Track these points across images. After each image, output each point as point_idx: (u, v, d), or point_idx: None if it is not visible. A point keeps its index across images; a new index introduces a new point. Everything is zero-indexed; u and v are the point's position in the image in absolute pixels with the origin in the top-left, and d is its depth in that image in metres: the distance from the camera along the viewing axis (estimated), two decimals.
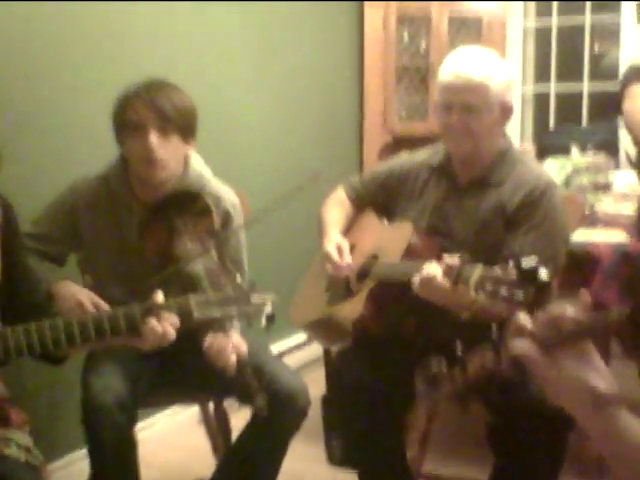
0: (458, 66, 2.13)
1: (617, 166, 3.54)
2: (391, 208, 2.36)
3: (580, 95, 4.47)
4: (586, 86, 4.46)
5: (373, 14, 4.14)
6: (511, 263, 1.65)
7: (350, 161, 4.18)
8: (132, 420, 2.08)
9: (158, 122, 2.09)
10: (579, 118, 4.46)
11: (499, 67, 2.16)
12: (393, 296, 2.14)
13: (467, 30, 4.24)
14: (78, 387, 2.14)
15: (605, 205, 2.99)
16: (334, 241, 2.30)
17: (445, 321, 2.01)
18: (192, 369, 2.21)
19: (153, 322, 1.65)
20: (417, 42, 4.23)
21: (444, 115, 2.16)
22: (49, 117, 2.62)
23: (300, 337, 3.80)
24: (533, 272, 1.60)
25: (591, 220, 2.88)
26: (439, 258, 1.89)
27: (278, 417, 2.11)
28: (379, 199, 2.40)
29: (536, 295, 1.61)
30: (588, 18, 4.43)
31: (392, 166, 2.40)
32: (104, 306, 1.92)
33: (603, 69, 4.57)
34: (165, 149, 2.11)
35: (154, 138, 2.08)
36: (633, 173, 3.21)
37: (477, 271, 1.72)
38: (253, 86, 3.52)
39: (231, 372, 1.97)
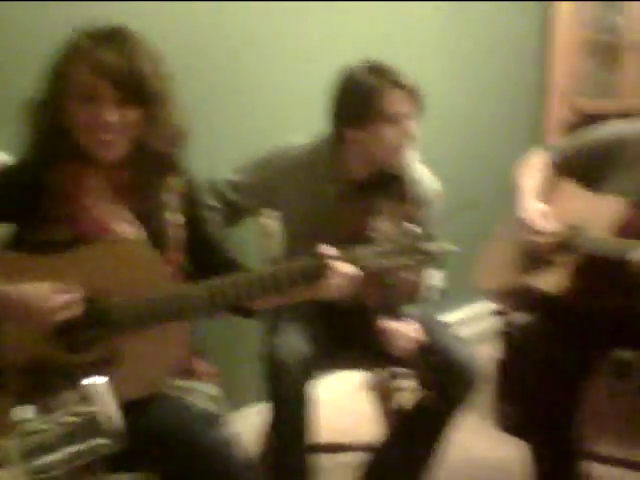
0: None
1: None
2: (599, 177, 2.26)
3: None
4: None
5: None
6: None
7: (531, 140, 4.09)
8: (312, 380, 2.16)
9: (415, 114, 2.21)
10: None
11: None
12: (602, 272, 2.07)
13: None
14: (254, 344, 2.26)
15: None
16: (535, 207, 2.26)
17: None
18: (366, 340, 2.26)
19: (327, 274, 1.71)
20: (610, 18, 4.05)
21: None
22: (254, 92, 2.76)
23: (472, 309, 3.84)
24: None
25: None
26: None
27: (450, 389, 2.14)
28: (587, 165, 2.30)
29: None
30: None
31: (608, 132, 2.30)
32: None
33: None
34: None
35: (414, 128, 2.20)
36: None
37: None
38: (437, 64, 3.52)
39: (405, 358, 2.01)
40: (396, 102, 2.17)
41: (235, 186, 2.36)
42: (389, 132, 2.18)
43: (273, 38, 2.81)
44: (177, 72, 1.76)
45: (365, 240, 1.78)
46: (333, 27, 2.97)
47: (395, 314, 2.01)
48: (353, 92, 2.21)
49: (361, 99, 2.18)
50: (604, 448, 2.56)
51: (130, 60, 1.66)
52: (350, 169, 2.29)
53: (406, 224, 1.76)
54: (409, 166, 2.31)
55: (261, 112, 2.81)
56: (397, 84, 2.17)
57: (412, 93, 2.19)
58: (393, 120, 2.17)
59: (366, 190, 2.21)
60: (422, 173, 2.34)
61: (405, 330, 2.08)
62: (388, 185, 2.22)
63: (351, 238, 1.86)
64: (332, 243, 1.77)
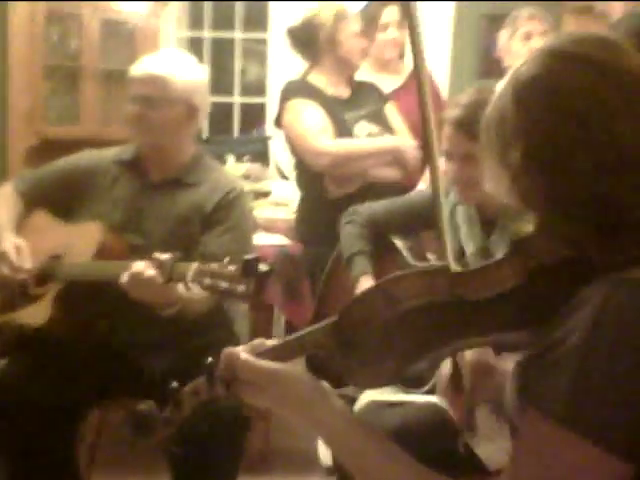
0: (144, 60, 2.16)
1: (271, 175, 3.68)
2: (73, 206, 2.22)
3: (231, 106, 4.66)
4: (237, 99, 4.71)
5: (19, 10, 3.83)
6: (227, 259, 1.67)
7: None
8: None
9: None
10: (231, 128, 4.62)
11: (186, 67, 2.16)
12: (86, 298, 2.04)
13: (120, 34, 4.15)
14: None
15: (264, 211, 3.11)
16: (10, 241, 2.12)
17: (142, 323, 1.98)
18: None
19: None
20: (67, 42, 4.03)
21: (128, 107, 2.13)
22: None
23: None
24: (255, 264, 1.60)
25: None
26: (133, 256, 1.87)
27: None
28: (59, 196, 2.25)
29: (256, 287, 1.63)
30: (238, 34, 4.69)
31: (76, 161, 2.27)
32: None
33: (249, 83, 4.84)
34: None
35: None
36: (288, 181, 3.38)
37: (193, 266, 1.71)
38: None
39: None
40: None
41: None
42: None
43: None
44: None
45: None
46: None
47: None
48: None
49: None
50: None
51: None
52: None
53: None
54: None
55: None
56: None
57: None
58: None
59: None
60: None
61: None
62: None
63: None
64: None
